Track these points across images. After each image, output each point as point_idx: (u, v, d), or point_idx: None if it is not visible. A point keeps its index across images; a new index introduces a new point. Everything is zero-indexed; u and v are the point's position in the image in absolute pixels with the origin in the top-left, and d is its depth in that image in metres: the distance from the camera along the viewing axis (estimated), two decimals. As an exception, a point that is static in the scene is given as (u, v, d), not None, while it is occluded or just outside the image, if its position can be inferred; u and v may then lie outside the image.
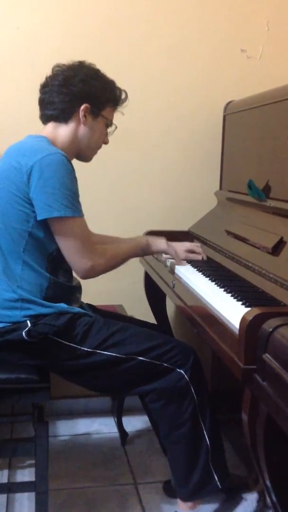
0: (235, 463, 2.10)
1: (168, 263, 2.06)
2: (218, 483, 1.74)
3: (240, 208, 2.21)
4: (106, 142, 1.93)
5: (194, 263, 2.05)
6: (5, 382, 1.72)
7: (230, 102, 2.45)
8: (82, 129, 1.83)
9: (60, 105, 1.80)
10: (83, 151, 1.88)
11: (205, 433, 1.74)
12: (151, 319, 2.43)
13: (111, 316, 2.01)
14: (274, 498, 1.33)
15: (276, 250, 1.73)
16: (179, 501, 1.82)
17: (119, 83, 1.87)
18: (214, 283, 1.79)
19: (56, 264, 1.77)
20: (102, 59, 2.42)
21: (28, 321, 1.69)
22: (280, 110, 1.93)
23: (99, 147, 1.92)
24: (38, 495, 1.75)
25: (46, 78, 1.84)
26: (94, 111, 1.83)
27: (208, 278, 1.85)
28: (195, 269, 1.99)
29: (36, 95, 2.40)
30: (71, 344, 1.71)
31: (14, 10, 2.35)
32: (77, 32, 2.41)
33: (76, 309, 1.77)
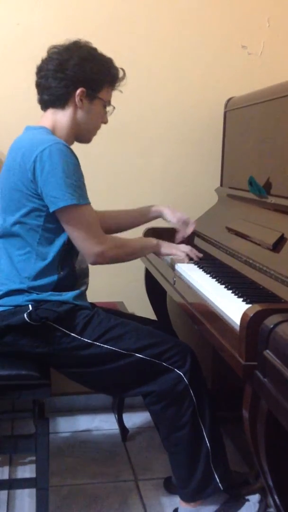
0: (236, 460, 2.10)
1: (169, 259, 2.07)
2: (219, 484, 1.74)
3: (241, 205, 2.21)
4: (105, 122, 1.92)
5: (194, 260, 2.05)
6: (6, 378, 1.73)
7: (231, 98, 2.45)
8: (80, 113, 1.83)
9: (56, 90, 1.80)
10: (82, 134, 1.88)
11: (205, 434, 1.73)
12: (152, 316, 2.42)
13: (112, 313, 2.01)
14: (275, 496, 1.33)
15: (276, 246, 1.72)
16: (180, 499, 1.82)
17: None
18: (215, 279, 1.79)
19: (69, 252, 1.80)
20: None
21: (30, 305, 1.72)
22: (281, 106, 1.93)
23: (98, 128, 1.92)
24: (38, 492, 1.76)
25: (42, 61, 1.84)
26: (91, 94, 1.82)
27: (209, 275, 1.85)
28: (196, 266, 1.98)
29: (35, 92, 2.39)
30: (71, 334, 1.72)
31: (14, 6, 2.35)
32: (78, 28, 2.40)
33: (79, 301, 1.78)
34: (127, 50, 2.44)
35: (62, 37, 2.38)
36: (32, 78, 2.38)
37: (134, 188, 2.56)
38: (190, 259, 2.05)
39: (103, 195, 2.52)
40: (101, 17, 2.42)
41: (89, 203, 1.73)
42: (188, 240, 2.37)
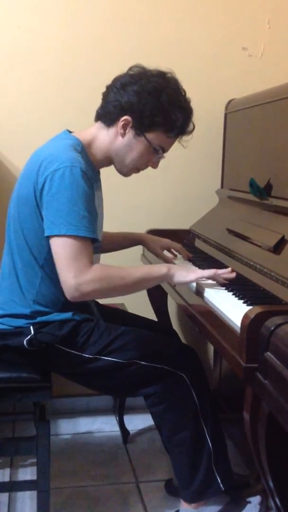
0: (237, 462, 2.09)
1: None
2: (221, 485, 1.73)
3: (242, 207, 2.21)
4: (153, 167, 1.80)
5: (195, 262, 2.05)
6: (7, 381, 1.72)
7: (231, 100, 2.45)
8: (119, 141, 1.72)
9: (108, 107, 1.71)
10: (117, 164, 1.78)
11: (207, 436, 1.73)
12: (153, 318, 2.42)
13: (116, 314, 2.01)
14: (276, 499, 1.33)
15: (277, 248, 1.72)
16: (182, 500, 1.82)
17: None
18: (215, 281, 1.79)
19: None
20: (102, 57, 2.44)
21: (31, 328, 1.68)
22: (281, 108, 1.93)
23: (139, 167, 1.79)
24: (39, 494, 1.75)
25: (119, 75, 1.76)
26: (137, 128, 1.70)
27: (209, 277, 1.85)
28: (197, 268, 1.98)
29: (36, 94, 2.41)
30: (73, 351, 1.69)
31: (15, 9, 2.35)
32: (78, 30, 2.40)
33: (80, 316, 1.73)
34: (127, 52, 2.44)
35: (63, 40, 2.40)
36: (32, 81, 2.41)
37: (135, 190, 2.56)
38: (196, 264, 1.91)
39: (103, 197, 2.52)
40: (101, 20, 2.42)
41: (88, 237, 1.55)
42: (187, 242, 2.37)
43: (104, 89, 1.79)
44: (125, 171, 1.80)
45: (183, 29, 2.49)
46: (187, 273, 1.67)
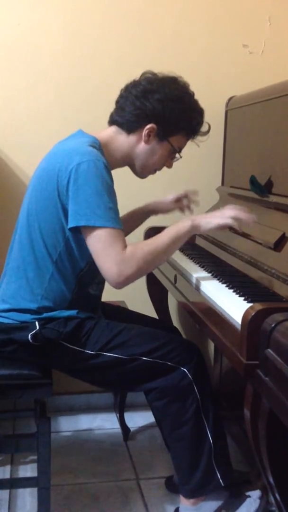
0: (237, 459, 2.10)
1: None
2: (220, 480, 1.73)
3: (242, 204, 2.20)
4: (168, 167, 1.86)
5: (196, 259, 2.05)
6: (8, 378, 1.73)
7: (232, 97, 2.45)
8: (142, 147, 1.77)
9: (128, 116, 1.74)
10: (136, 168, 1.83)
11: (208, 431, 1.73)
12: (153, 316, 2.42)
13: (117, 311, 2.01)
14: (276, 495, 1.33)
15: (278, 245, 1.72)
16: (181, 497, 1.82)
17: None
18: (216, 279, 1.79)
19: (87, 278, 1.75)
20: (102, 55, 2.43)
21: (36, 323, 1.69)
22: (282, 105, 1.93)
23: (157, 169, 1.86)
24: (40, 491, 1.76)
25: (131, 82, 1.78)
26: (161, 134, 1.75)
27: (210, 274, 1.85)
28: (197, 265, 1.98)
29: (36, 91, 2.41)
30: (75, 347, 1.70)
31: (15, 6, 2.35)
32: (78, 28, 2.40)
33: (84, 314, 1.74)
34: (128, 50, 2.44)
35: (63, 37, 2.39)
36: (32, 78, 2.40)
37: (135, 187, 2.56)
38: (192, 259, 1.97)
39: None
40: (101, 18, 2.41)
41: (116, 227, 1.59)
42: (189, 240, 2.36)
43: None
44: (145, 173, 1.86)
45: (184, 27, 2.48)
46: (211, 218, 1.72)
